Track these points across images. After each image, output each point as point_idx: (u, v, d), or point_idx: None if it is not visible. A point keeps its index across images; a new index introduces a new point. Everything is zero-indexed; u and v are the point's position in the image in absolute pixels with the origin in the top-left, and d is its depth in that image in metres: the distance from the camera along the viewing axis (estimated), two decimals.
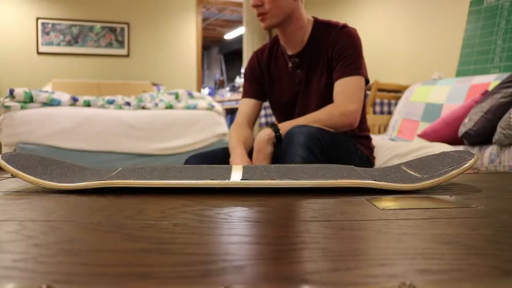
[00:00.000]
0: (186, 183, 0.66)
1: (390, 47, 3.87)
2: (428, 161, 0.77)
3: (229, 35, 8.13)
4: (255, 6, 1.34)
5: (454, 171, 0.67)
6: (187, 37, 5.36)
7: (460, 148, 2.04)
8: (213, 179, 0.67)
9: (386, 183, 0.66)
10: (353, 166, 0.78)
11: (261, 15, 1.34)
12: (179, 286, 0.29)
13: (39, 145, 2.83)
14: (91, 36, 4.90)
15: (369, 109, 3.25)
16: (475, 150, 2.02)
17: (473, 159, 0.68)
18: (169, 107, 3.27)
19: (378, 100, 3.34)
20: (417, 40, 3.57)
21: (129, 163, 2.93)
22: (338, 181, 0.66)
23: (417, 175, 0.71)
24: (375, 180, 0.66)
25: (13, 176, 0.84)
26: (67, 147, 2.85)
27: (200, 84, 5.56)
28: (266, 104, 1.63)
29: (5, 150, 2.87)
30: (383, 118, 3.21)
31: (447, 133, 2.25)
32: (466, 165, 0.67)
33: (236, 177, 0.69)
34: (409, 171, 0.75)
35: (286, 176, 0.69)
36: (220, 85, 8.87)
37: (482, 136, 2.02)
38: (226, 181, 0.67)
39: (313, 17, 1.44)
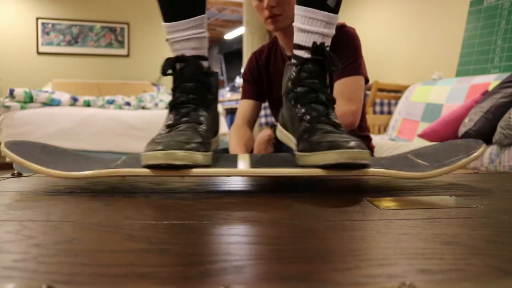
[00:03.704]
0: (198, 171, 0.63)
1: (390, 47, 3.87)
2: (436, 149, 0.75)
3: (229, 35, 8.14)
4: (270, 7, 1.28)
5: (464, 159, 0.66)
6: None
7: None
8: (223, 167, 0.66)
9: (396, 172, 0.64)
10: None
11: (274, 16, 1.30)
12: (179, 286, 0.29)
13: None
14: (91, 36, 4.90)
15: (369, 109, 3.25)
16: None
17: (482, 147, 0.67)
18: None
19: (378, 100, 3.34)
20: (417, 40, 3.57)
21: None
22: (348, 170, 0.63)
23: (425, 163, 0.70)
24: (385, 169, 0.65)
25: (13, 176, 0.84)
26: (67, 147, 2.85)
27: None
28: (266, 104, 1.63)
29: None
30: (383, 118, 3.21)
31: (447, 133, 2.25)
32: (476, 153, 0.66)
33: (243, 166, 0.68)
34: (416, 160, 0.73)
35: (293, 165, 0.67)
36: (220, 85, 8.87)
37: (482, 136, 2.02)
38: (237, 169, 0.65)
39: None
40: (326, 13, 0.75)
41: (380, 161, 0.74)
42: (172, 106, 0.76)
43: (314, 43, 0.74)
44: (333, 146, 0.61)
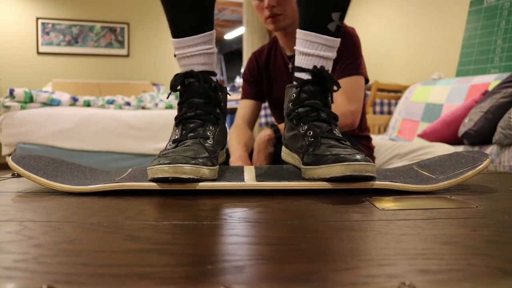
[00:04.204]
0: (204, 185, 0.65)
1: (390, 47, 3.86)
2: (441, 161, 0.76)
3: (229, 35, 8.13)
4: (271, 7, 1.28)
5: (470, 172, 0.66)
6: None
7: (460, 148, 2.04)
8: (229, 181, 0.67)
9: (402, 184, 0.65)
10: None
11: (275, 16, 1.30)
12: (179, 286, 0.29)
13: (39, 145, 2.83)
14: (91, 36, 4.90)
15: (369, 109, 3.25)
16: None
17: (487, 159, 0.68)
18: (169, 107, 3.27)
19: (378, 100, 3.34)
20: (417, 40, 3.57)
21: (129, 163, 2.93)
22: (353, 183, 0.65)
23: (431, 175, 0.71)
24: (391, 181, 0.65)
25: (13, 176, 0.84)
26: (67, 147, 2.85)
27: None
28: (266, 104, 1.63)
29: (5, 150, 2.87)
30: (383, 118, 3.21)
31: (447, 133, 2.25)
32: (481, 166, 0.67)
33: (249, 178, 0.69)
34: (422, 172, 0.74)
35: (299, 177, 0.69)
36: None
37: (482, 136, 2.02)
38: (242, 182, 0.66)
39: None
40: (326, 37, 0.76)
41: (386, 173, 0.75)
42: (179, 121, 0.76)
43: (315, 66, 0.75)
44: (339, 159, 0.62)
